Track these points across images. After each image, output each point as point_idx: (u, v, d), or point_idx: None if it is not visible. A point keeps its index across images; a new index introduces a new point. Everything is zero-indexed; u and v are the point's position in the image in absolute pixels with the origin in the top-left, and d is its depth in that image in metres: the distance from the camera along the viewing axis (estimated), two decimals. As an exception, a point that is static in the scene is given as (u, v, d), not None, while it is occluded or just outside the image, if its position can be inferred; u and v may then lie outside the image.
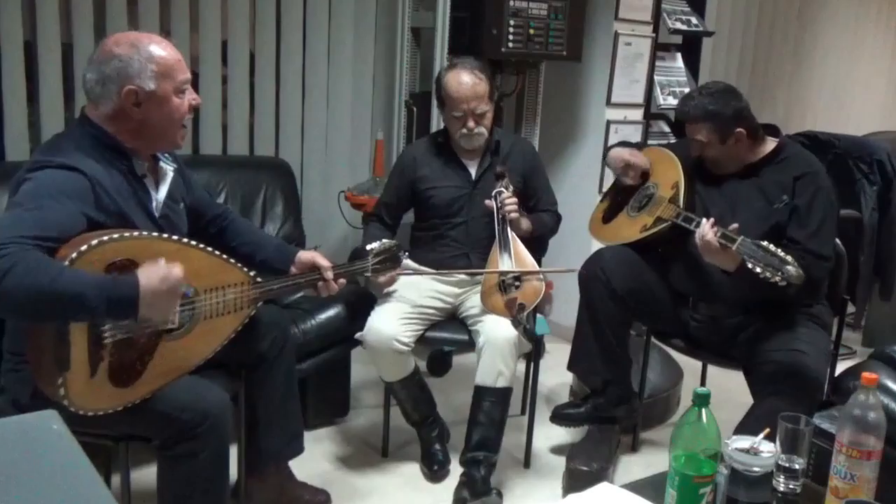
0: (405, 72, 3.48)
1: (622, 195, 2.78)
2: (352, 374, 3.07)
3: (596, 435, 2.72)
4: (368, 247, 2.33)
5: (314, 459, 2.68)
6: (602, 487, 1.61)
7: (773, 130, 2.56)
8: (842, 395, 2.16)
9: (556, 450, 2.88)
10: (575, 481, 2.54)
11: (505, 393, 2.47)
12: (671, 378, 3.20)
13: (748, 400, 2.37)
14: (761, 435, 1.56)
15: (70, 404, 1.67)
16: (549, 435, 2.92)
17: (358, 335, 2.55)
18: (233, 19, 3.33)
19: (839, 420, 1.53)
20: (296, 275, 2.16)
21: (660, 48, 3.82)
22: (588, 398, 2.74)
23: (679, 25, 3.87)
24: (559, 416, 2.76)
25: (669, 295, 2.62)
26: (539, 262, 2.71)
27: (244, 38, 3.38)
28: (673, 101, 3.83)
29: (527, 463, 2.78)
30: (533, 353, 2.69)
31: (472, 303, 2.61)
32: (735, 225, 2.25)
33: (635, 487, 1.61)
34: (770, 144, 2.52)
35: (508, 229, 2.55)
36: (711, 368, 2.93)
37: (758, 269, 2.12)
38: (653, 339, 2.81)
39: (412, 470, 2.73)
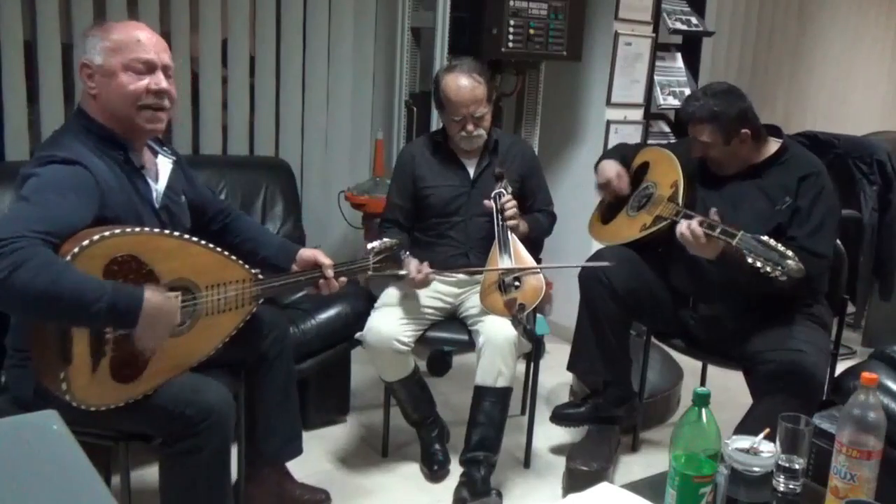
0: (405, 72, 3.48)
1: (620, 196, 2.78)
2: (352, 374, 3.07)
3: (596, 435, 2.72)
4: (369, 245, 2.33)
5: (314, 459, 2.68)
6: (602, 487, 1.61)
7: (775, 131, 2.56)
8: (842, 395, 2.16)
9: (556, 450, 2.88)
10: (575, 481, 2.54)
11: (505, 393, 2.47)
12: (671, 378, 3.20)
13: (748, 400, 2.36)
14: (761, 435, 1.56)
15: (72, 399, 1.67)
16: (549, 435, 2.92)
17: (358, 335, 2.56)
18: (233, 19, 3.33)
19: (839, 420, 1.53)
20: (297, 272, 2.16)
21: (660, 48, 3.82)
22: (588, 398, 2.75)
23: (679, 25, 3.87)
24: (559, 416, 2.76)
25: (669, 295, 2.62)
26: (537, 262, 2.71)
27: (244, 38, 3.38)
28: (673, 101, 3.83)
29: (527, 463, 2.78)
30: (533, 353, 2.69)
31: (472, 303, 2.62)
32: (714, 209, 2.28)
33: (635, 487, 1.61)
34: (773, 145, 2.51)
35: (508, 230, 2.55)
36: (711, 368, 2.93)
37: (758, 264, 2.12)
38: (653, 339, 2.81)
39: (412, 470, 2.73)
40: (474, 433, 2.49)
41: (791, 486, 1.55)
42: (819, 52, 5.70)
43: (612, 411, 2.71)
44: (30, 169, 1.76)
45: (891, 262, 3.83)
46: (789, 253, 2.11)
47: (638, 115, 3.80)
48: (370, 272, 2.30)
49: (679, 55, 4.02)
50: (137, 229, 1.78)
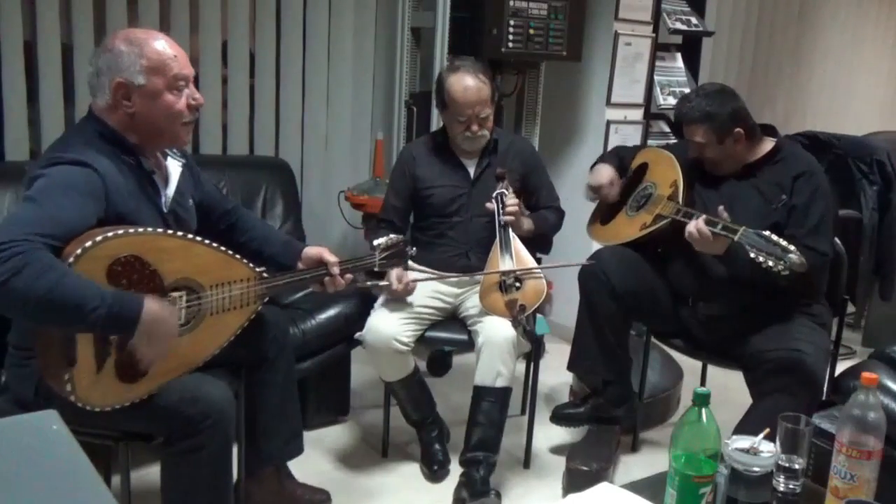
0: (405, 72, 3.48)
1: (619, 196, 2.79)
2: (352, 374, 3.07)
3: (596, 435, 2.73)
4: (375, 242, 2.32)
5: (314, 459, 2.68)
6: (602, 487, 1.61)
7: (770, 130, 2.57)
8: (842, 395, 2.16)
9: (556, 450, 2.88)
10: (575, 481, 2.54)
11: (504, 393, 2.47)
12: (671, 378, 3.20)
13: (748, 400, 2.37)
14: (761, 435, 1.56)
15: (77, 399, 1.67)
16: (548, 435, 2.92)
17: (358, 335, 2.55)
18: (233, 19, 3.33)
19: (839, 420, 1.53)
20: (302, 270, 2.16)
21: (660, 48, 3.82)
22: (588, 398, 2.75)
23: (679, 25, 3.87)
24: (559, 417, 2.76)
25: (669, 294, 2.62)
26: (541, 262, 2.71)
27: (244, 38, 3.38)
28: (673, 101, 3.83)
29: (526, 463, 2.78)
30: (533, 353, 2.69)
31: (472, 303, 2.61)
32: (721, 207, 2.30)
33: (635, 487, 1.61)
34: (768, 144, 2.52)
35: (510, 230, 2.55)
36: (711, 368, 2.93)
37: (760, 259, 2.13)
38: (653, 339, 2.82)
39: (412, 470, 2.73)
40: (474, 433, 2.49)
41: (791, 486, 1.55)
42: (819, 52, 5.70)
43: (612, 411, 2.71)
44: (37, 170, 1.75)
45: (891, 262, 3.83)
46: (791, 247, 2.13)
47: (638, 115, 3.80)
48: (376, 269, 2.30)
49: (679, 55, 4.03)
50: (140, 230, 1.77)
